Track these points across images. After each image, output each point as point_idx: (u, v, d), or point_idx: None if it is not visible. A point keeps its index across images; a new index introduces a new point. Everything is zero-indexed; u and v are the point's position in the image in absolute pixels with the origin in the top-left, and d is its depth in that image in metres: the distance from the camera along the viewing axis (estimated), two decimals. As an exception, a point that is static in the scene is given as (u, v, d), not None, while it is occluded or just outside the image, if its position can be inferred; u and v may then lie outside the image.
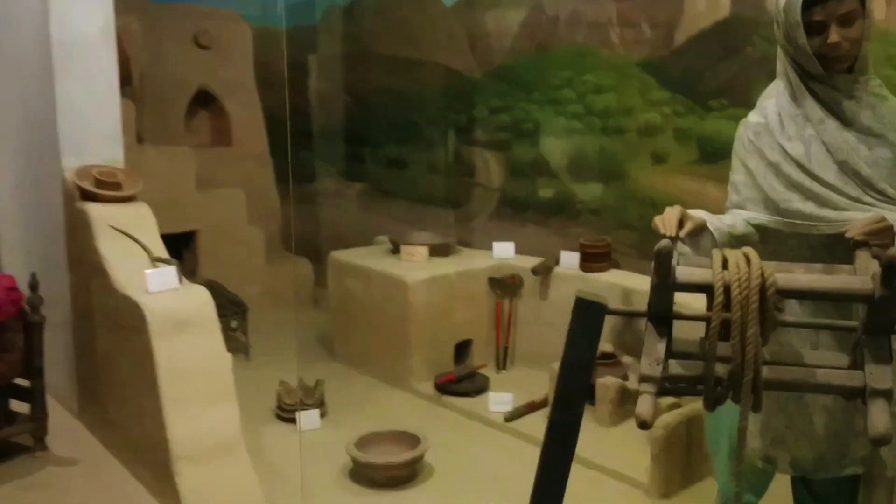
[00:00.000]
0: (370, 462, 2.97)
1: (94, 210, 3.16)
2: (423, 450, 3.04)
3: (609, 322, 3.78)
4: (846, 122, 1.98)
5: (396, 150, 5.42)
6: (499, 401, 3.65)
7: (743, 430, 1.53)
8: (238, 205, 5.34)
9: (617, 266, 3.98)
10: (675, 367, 1.61)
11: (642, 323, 1.75)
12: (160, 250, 3.13)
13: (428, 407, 3.84)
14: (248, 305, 4.54)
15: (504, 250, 4.30)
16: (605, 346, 3.68)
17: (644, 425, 1.56)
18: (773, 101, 2.08)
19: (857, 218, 1.90)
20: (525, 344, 4.19)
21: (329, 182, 5.90)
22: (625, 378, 3.57)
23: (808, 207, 1.97)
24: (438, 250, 4.29)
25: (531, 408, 3.65)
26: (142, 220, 3.23)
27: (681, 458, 2.96)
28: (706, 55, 3.65)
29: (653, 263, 1.61)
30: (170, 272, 2.93)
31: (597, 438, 3.37)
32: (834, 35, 1.89)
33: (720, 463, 2.40)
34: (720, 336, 1.52)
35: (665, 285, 1.59)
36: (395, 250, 4.37)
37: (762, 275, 1.49)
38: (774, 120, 2.04)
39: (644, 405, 1.57)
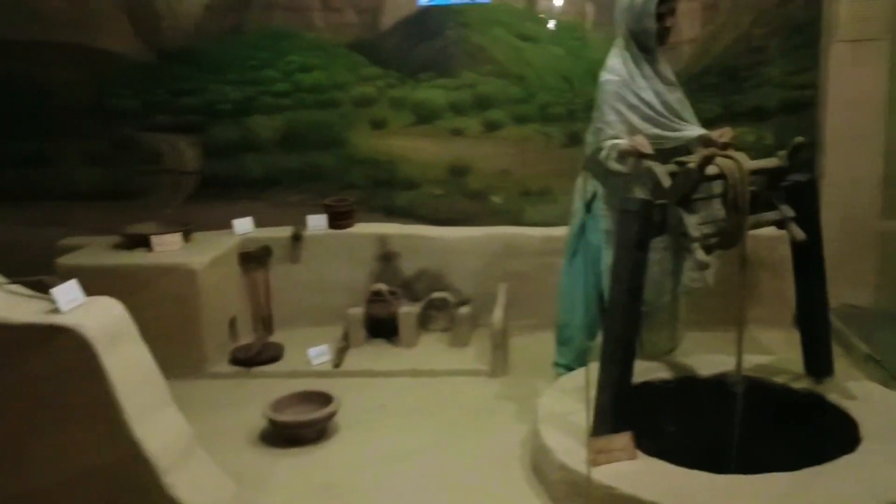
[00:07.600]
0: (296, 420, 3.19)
1: None
2: (338, 402, 3.31)
3: (368, 267, 4.43)
4: (661, 77, 3.18)
5: (32, 146, 4.78)
6: (317, 354, 3.99)
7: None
8: None
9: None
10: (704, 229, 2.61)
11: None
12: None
13: (242, 384, 3.89)
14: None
15: (244, 226, 4.46)
16: (380, 285, 4.31)
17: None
18: (620, 62, 3.15)
19: (684, 137, 3.12)
20: (282, 308, 4.47)
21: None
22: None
23: (656, 131, 3.12)
24: (187, 236, 4.22)
25: (343, 348, 4.10)
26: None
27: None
28: (411, 37, 4.49)
29: (655, 170, 2.61)
30: (72, 286, 2.56)
31: (413, 357, 4.06)
32: (668, 21, 3.06)
33: (575, 317, 3.44)
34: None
35: (694, 177, 2.56)
36: (132, 244, 4.12)
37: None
38: (627, 77, 3.12)
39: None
